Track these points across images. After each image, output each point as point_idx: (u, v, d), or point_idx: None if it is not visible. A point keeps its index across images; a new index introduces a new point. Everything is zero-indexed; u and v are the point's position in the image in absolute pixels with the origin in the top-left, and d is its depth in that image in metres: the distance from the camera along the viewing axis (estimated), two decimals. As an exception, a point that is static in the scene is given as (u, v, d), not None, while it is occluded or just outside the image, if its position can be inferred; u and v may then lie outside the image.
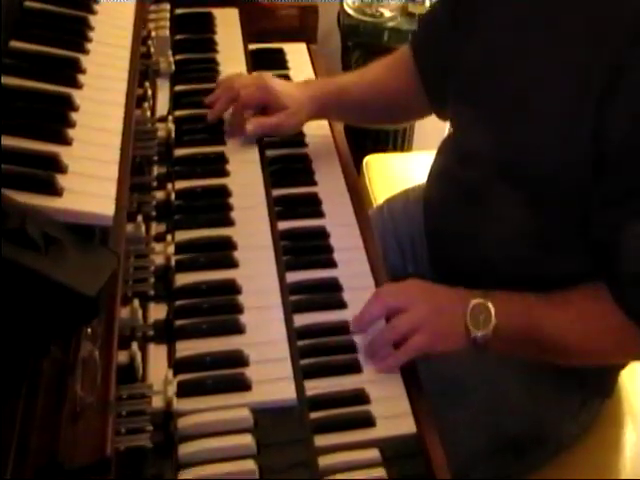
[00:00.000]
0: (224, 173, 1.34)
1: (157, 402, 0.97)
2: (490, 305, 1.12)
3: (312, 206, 1.34)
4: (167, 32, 1.55)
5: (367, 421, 1.03)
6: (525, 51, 1.17)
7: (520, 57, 1.17)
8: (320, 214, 1.32)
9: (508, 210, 1.22)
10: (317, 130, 1.49)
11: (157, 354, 1.05)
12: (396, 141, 2.62)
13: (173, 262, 1.16)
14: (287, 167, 1.41)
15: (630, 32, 1.04)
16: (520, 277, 1.21)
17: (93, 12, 1.18)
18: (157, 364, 1.04)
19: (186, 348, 1.07)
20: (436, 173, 1.44)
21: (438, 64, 1.38)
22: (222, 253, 1.21)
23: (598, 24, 1.07)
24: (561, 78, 1.11)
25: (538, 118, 1.14)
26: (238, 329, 1.10)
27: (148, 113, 1.34)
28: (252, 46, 1.68)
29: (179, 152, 1.36)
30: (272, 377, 1.05)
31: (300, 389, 1.05)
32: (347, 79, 1.50)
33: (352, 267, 1.25)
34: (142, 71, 1.38)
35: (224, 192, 1.30)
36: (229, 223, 1.25)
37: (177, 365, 1.04)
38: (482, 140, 1.24)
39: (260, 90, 1.40)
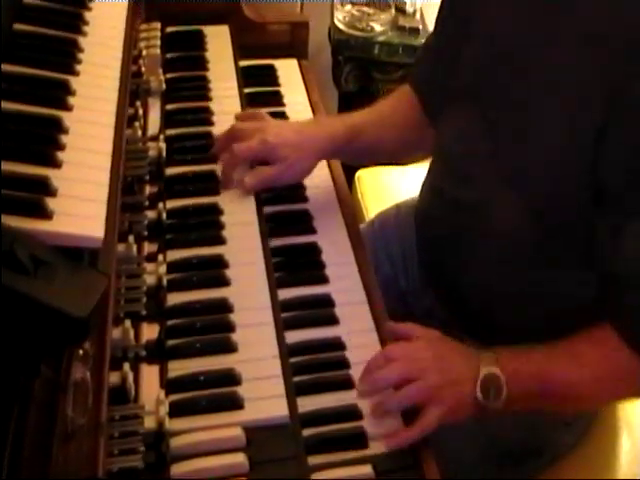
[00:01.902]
0: (215, 191, 1.34)
1: (149, 422, 0.97)
2: (500, 375, 1.09)
3: (303, 222, 1.34)
4: (158, 50, 1.56)
5: (360, 437, 1.03)
6: (526, 61, 1.17)
7: (520, 69, 1.17)
8: (312, 230, 1.33)
9: (506, 225, 1.21)
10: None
11: (149, 374, 1.05)
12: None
13: (165, 281, 1.16)
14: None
15: (628, 50, 1.04)
16: (515, 291, 1.21)
17: (82, 33, 1.18)
18: (149, 384, 1.04)
19: (178, 368, 1.07)
20: (428, 187, 1.45)
21: (441, 88, 1.37)
22: (214, 271, 1.21)
23: (594, 44, 1.07)
24: (559, 94, 1.11)
25: (538, 132, 1.15)
26: (230, 347, 1.11)
27: (139, 132, 1.34)
28: (243, 63, 1.68)
29: (170, 171, 1.36)
30: (264, 395, 1.05)
31: (293, 406, 1.05)
32: (358, 119, 1.44)
33: (344, 283, 1.25)
34: (133, 90, 1.38)
35: (215, 210, 1.31)
36: (221, 241, 1.26)
37: (169, 385, 1.04)
38: (480, 144, 1.24)
39: (256, 144, 1.35)
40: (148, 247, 1.21)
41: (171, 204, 1.30)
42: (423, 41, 2.34)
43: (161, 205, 1.27)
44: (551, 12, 1.14)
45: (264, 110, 1.52)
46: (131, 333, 1.04)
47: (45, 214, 0.87)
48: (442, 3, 1.41)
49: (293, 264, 1.27)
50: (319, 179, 1.43)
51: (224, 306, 1.16)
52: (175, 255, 1.22)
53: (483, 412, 1.10)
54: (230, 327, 1.13)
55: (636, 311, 1.11)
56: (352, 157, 1.49)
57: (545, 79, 1.14)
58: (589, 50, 1.08)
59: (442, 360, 1.12)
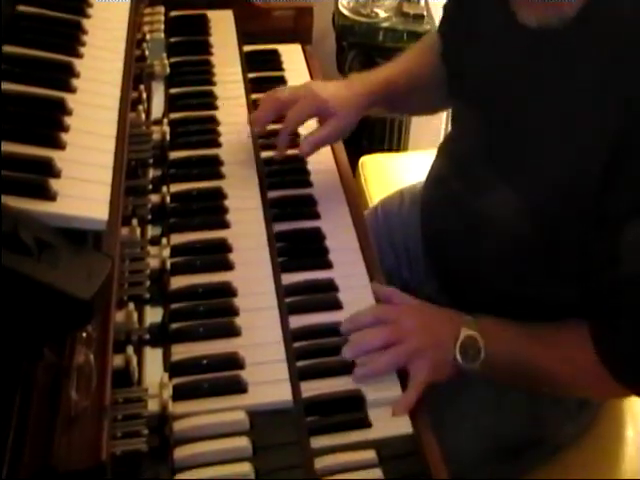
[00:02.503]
0: (219, 175, 1.34)
1: (153, 405, 0.97)
2: (479, 340, 1.13)
3: (307, 207, 1.33)
4: (162, 35, 1.56)
5: (363, 422, 1.03)
6: (524, 71, 1.16)
7: (519, 69, 1.16)
8: (316, 215, 1.32)
9: (507, 219, 1.21)
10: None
11: (153, 357, 1.05)
12: (392, 141, 2.62)
13: (168, 265, 1.16)
14: (282, 168, 1.40)
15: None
16: (517, 281, 1.21)
17: (87, 16, 1.18)
18: (153, 367, 1.04)
19: (182, 351, 1.07)
20: (434, 176, 1.44)
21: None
22: (217, 256, 1.21)
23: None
24: (569, 104, 1.10)
25: (538, 132, 1.14)
26: (234, 332, 1.10)
27: (143, 116, 1.34)
28: (247, 48, 1.68)
29: (174, 155, 1.36)
30: (268, 379, 1.05)
31: (296, 391, 1.05)
32: (390, 70, 1.46)
33: (348, 268, 1.24)
34: (137, 74, 1.38)
35: (219, 194, 1.30)
36: (224, 225, 1.25)
37: (173, 368, 1.04)
38: (482, 144, 1.24)
39: (308, 102, 1.34)
40: (152, 231, 1.21)
41: (175, 188, 1.29)
42: (428, 27, 2.35)
43: (165, 189, 1.27)
44: None
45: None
46: (135, 316, 1.04)
47: (49, 196, 0.87)
48: None
49: (297, 249, 1.26)
50: (323, 164, 1.43)
51: (228, 290, 1.15)
52: (179, 239, 1.21)
53: (461, 374, 1.14)
54: (234, 311, 1.13)
55: (615, 327, 1.11)
56: (396, 108, 1.55)
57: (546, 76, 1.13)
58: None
59: (424, 324, 1.15)
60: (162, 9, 1.63)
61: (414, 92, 1.47)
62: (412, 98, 1.49)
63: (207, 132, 1.43)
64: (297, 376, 1.07)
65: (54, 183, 0.88)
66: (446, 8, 1.43)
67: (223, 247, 1.22)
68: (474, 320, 1.15)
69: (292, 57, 1.70)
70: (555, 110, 1.11)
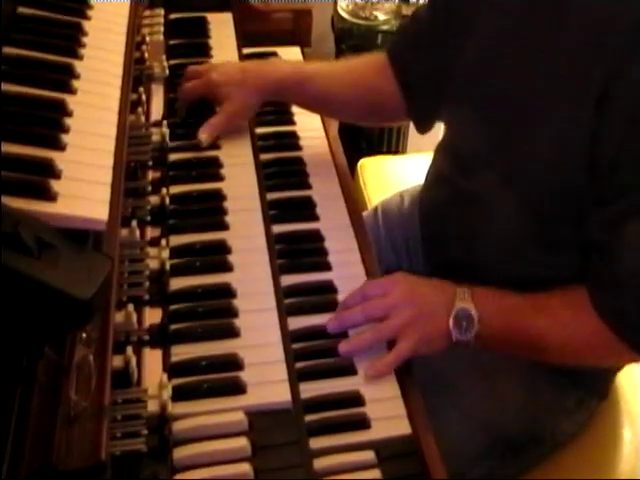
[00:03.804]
0: (218, 177, 1.34)
1: (152, 406, 0.97)
2: (473, 311, 1.13)
3: (306, 209, 1.34)
4: (161, 37, 1.56)
5: (362, 423, 1.03)
6: (523, 53, 1.17)
7: (519, 61, 1.17)
8: (314, 217, 1.32)
9: (507, 212, 1.22)
10: (311, 133, 1.50)
11: (152, 358, 1.05)
12: (390, 143, 2.63)
13: (168, 266, 1.16)
14: (281, 170, 1.41)
15: (629, 34, 1.04)
16: (518, 279, 1.21)
17: (87, 17, 1.18)
18: (152, 368, 1.04)
19: (181, 352, 1.07)
20: (433, 176, 1.45)
21: (420, 73, 1.37)
22: (217, 257, 1.21)
23: (597, 27, 1.07)
24: (560, 80, 1.11)
25: (537, 122, 1.15)
26: (233, 333, 1.10)
27: (142, 118, 1.34)
28: (246, 50, 1.68)
29: (173, 157, 1.36)
30: (267, 380, 1.05)
31: (295, 391, 1.05)
32: (309, 67, 1.49)
33: (347, 270, 1.25)
34: (136, 76, 1.38)
35: (218, 196, 1.31)
36: (224, 227, 1.25)
37: (172, 369, 1.04)
38: (481, 143, 1.24)
39: (202, 82, 1.42)
40: (151, 232, 1.21)
41: (174, 189, 1.29)
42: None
43: (164, 190, 1.27)
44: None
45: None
46: (134, 317, 1.05)
47: (49, 196, 0.87)
48: None
49: (296, 251, 1.26)
50: (322, 167, 1.43)
51: (227, 291, 1.16)
52: (178, 240, 1.22)
53: (456, 345, 1.14)
54: (233, 312, 1.13)
55: (616, 282, 1.11)
56: (302, 103, 1.49)
57: (544, 65, 1.13)
58: (590, 35, 1.08)
59: (414, 295, 1.16)
60: (162, 11, 1.64)
61: (336, 96, 1.46)
62: (332, 101, 1.47)
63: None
64: (296, 377, 1.07)
65: (54, 184, 0.88)
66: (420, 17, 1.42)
67: (222, 248, 1.22)
68: (468, 290, 1.16)
69: (291, 59, 1.70)
70: (539, 78, 1.13)
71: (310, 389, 1.06)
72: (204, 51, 1.64)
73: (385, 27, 2.45)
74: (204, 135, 1.38)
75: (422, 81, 1.37)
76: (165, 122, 1.40)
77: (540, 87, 1.14)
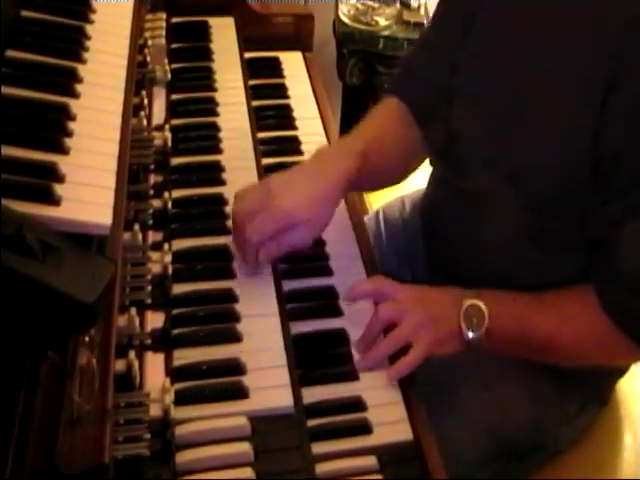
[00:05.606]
0: (220, 182, 1.35)
1: (154, 410, 0.97)
2: (483, 307, 1.14)
3: (308, 214, 1.33)
4: (163, 41, 1.56)
5: (364, 428, 1.03)
6: (524, 50, 1.17)
7: (519, 57, 1.17)
8: (316, 222, 1.32)
9: (508, 211, 1.22)
10: (313, 138, 1.50)
11: (154, 362, 1.05)
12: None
13: (170, 270, 1.16)
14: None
15: (630, 31, 1.04)
16: (521, 279, 1.21)
17: (90, 21, 1.18)
18: (154, 372, 1.04)
19: (183, 356, 1.07)
20: (434, 177, 1.45)
21: (429, 93, 1.35)
22: (219, 262, 1.21)
23: (598, 24, 1.07)
24: (562, 77, 1.12)
25: (538, 118, 1.15)
26: (235, 337, 1.11)
27: (144, 122, 1.34)
28: (248, 55, 1.68)
29: (176, 161, 1.36)
30: (269, 385, 1.05)
31: (297, 396, 1.05)
32: (361, 145, 1.25)
33: (348, 274, 1.25)
34: (138, 80, 1.38)
35: (220, 200, 1.31)
36: (226, 232, 1.25)
37: (174, 373, 1.04)
38: (481, 142, 1.24)
39: (270, 216, 1.15)
40: (153, 236, 1.21)
41: (176, 193, 1.30)
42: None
43: (166, 194, 1.27)
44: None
45: (269, 102, 1.52)
46: (136, 321, 1.05)
47: (53, 200, 0.87)
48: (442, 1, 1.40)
49: (297, 255, 1.26)
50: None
51: (229, 296, 1.16)
52: (180, 244, 1.22)
53: (468, 346, 1.14)
54: (235, 317, 1.13)
55: (621, 279, 1.12)
56: (364, 183, 1.32)
57: (545, 61, 1.14)
58: (590, 32, 1.08)
59: (423, 299, 1.17)
60: (164, 15, 1.63)
61: (385, 164, 1.34)
62: (383, 171, 1.35)
63: (208, 138, 1.43)
64: (298, 382, 1.07)
65: (58, 188, 0.88)
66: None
67: (224, 253, 1.22)
68: (475, 291, 1.16)
69: (293, 64, 1.72)
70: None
71: (312, 394, 1.06)
72: (206, 55, 1.64)
73: (386, 32, 2.45)
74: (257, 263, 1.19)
75: (429, 101, 1.35)
76: (167, 126, 1.40)
77: (541, 84, 1.14)
